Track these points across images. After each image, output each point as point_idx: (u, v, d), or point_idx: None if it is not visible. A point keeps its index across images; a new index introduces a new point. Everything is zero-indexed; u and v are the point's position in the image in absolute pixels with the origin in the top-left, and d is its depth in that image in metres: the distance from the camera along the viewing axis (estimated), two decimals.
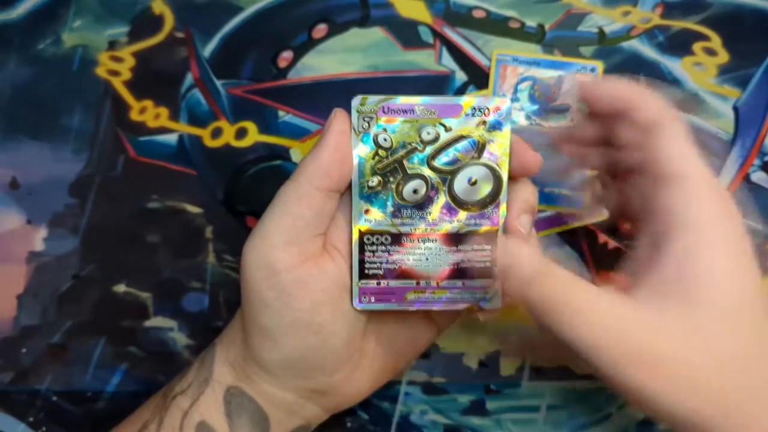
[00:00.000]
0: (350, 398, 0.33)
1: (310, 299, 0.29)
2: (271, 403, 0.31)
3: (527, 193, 0.30)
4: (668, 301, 0.26)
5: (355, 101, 0.28)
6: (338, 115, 0.29)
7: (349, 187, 0.29)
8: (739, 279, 0.26)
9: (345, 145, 0.28)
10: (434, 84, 0.39)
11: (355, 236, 0.29)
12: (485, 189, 0.29)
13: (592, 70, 0.39)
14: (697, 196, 0.27)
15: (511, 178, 0.29)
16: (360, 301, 0.30)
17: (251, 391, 0.30)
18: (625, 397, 0.26)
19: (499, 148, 0.29)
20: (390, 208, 0.29)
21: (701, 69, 0.39)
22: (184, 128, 0.38)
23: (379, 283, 0.30)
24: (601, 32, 0.39)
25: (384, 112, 0.28)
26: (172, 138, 0.38)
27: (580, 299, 0.25)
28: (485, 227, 0.29)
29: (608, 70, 0.39)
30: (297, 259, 0.28)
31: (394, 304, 0.30)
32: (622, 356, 0.25)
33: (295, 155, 0.39)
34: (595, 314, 0.25)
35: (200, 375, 0.31)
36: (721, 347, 0.25)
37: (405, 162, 0.29)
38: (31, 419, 0.38)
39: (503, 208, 0.29)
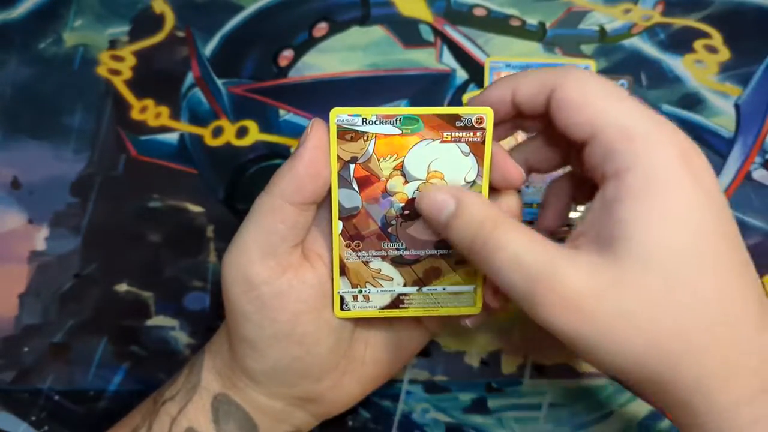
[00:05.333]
0: (340, 405, 0.32)
1: (291, 310, 0.28)
2: (258, 410, 0.31)
3: (509, 205, 0.29)
4: (589, 249, 0.24)
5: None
6: (316, 127, 0.28)
7: (328, 194, 0.28)
8: (674, 235, 0.23)
9: (321, 160, 0.27)
10: (435, 82, 0.39)
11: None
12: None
13: (585, 68, 0.39)
14: (615, 148, 0.24)
15: (494, 190, 0.29)
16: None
17: (238, 398, 0.30)
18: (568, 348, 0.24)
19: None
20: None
21: (702, 66, 0.39)
22: (185, 127, 0.38)
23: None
24: (602, 30, 0.39)
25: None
26: (173, 137, 0.38)
27: (516, 242, 0.24)
28: None
29: (609, 69, 0.39)
30: (275, 272, 0.28)
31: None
32: (535, 294, 0.23)
33: None
34: (524, 256, 0.24)
35: (188, 382, 0.31)
36: (644, 298, 0.22)
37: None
38: (33, 418, 0.38)
39: None
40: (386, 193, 0.28)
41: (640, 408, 0.38)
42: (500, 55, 0.39)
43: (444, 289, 0.30)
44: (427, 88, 0.39)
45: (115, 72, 0.38)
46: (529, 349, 0.39)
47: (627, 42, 0.39)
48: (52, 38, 0.38)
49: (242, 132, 0.39)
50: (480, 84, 0.39)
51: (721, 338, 0.23)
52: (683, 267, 0.23)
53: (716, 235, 0.23)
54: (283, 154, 0.38)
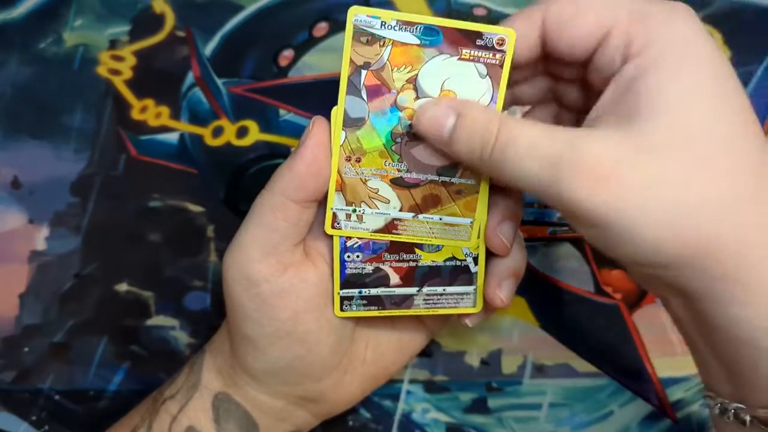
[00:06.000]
0: (340, 404, 0.32)
1: (292, 309, 0.28)
2: (259, 409, 0.31)
3: (510, 200, 0.29)
4: (608, 124, 0.23)
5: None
6: (317, 125, 0.28)
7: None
8: (704, 102, 0.22)
9: (322, 158, 0.27)
10: None
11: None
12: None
13: None
14: (631, 32, 0.23)
15: (494, 188, 0.28)
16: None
17: (239, 397, 0.31)
18: (574, 221, 0.23)
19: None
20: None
21: None
22: (185, 127, 0.38)
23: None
24: None
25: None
26: (173, 137, 0.38)
27: (529, 132, 0.23)
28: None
29: None
30: (276, 270, 0.28)
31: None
32: (558, 175, 0.22)
33: None
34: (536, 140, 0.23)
35: (189, 380, 0.31)
36: (667, 166, 0.21)
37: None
38: (33, 418, 0.38)
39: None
40: (395, 106, 0.27)
41: (640, 408, 0.38)
42: None
43: (440, 219, 0.29)
44: None
45: (115, 72, 0.38)
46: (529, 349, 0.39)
47: None
48: (52, 38, 0.38)
49: (242, 132, 0.39)
50: None
51: (759, 207, 0.22)
52: (713, 134, 0.22)
53: (740, 106, 0.23)
54: (283, 154, 0.38)
